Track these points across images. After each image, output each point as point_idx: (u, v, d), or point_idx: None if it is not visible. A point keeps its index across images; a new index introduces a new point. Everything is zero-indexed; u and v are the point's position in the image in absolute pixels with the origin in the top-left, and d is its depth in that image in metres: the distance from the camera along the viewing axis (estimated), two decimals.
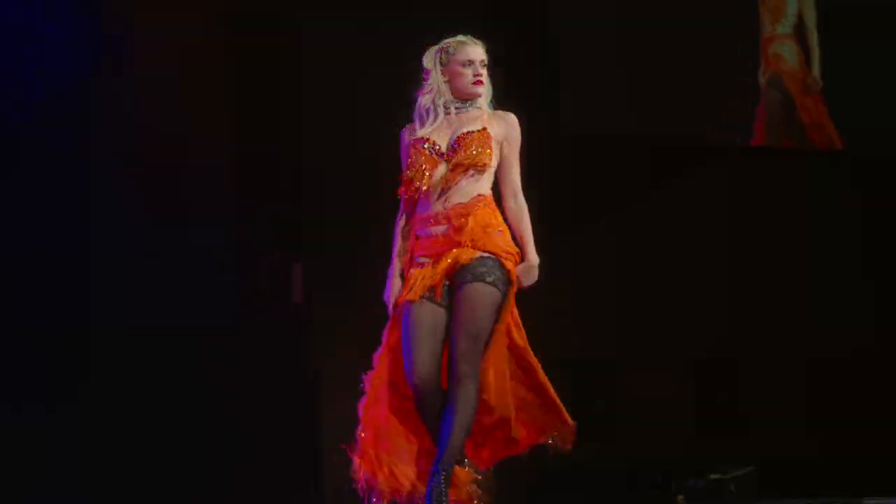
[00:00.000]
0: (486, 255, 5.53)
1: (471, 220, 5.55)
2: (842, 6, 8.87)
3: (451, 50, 5.66)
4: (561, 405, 5.62)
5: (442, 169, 5.58)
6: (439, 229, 5.57)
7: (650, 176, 8.52)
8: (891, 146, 8.91)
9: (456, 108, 5.66)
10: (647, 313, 8.43)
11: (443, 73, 5.64)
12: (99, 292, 7.50)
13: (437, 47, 5.69)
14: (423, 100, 5.65)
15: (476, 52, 5.66)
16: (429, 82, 5.66)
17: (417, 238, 5.60)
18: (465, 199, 5.56)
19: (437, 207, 5.57)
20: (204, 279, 7.61)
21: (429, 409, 5.47)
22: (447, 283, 5.51)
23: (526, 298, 5.61)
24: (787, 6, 8.92)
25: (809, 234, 8.79)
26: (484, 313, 5.49)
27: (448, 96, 5.63)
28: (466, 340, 5.48)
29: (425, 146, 5.60)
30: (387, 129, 5.88)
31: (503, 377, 5.58)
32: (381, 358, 5.59)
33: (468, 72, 5.63)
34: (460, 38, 5.67)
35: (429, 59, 5.67)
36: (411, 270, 5.56)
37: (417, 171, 5.56)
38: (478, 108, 5.66)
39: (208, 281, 7.61)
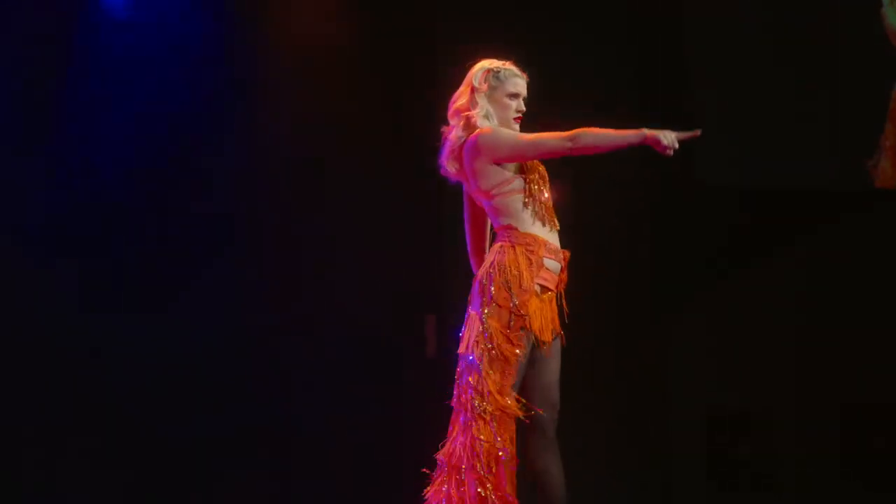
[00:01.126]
0: None
1: None
2: None
3: (501, 76, 5.48)
4: None
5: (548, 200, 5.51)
6: (559, 267, 5.50)
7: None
8: None
9: None
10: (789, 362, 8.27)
11: (488, 98, 5.51)
12: None
13: (486, 67, 5.50)
14: (480, 121, 5.46)
15: (524, 86, 5.51)
16: (477, 102, 5.48)
17: (547, 268, 5.40)
18: None
19: (556, 242, 5.47)
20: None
21: None
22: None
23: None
24: None
25: None
26: None
27: (494, 122, 5.49)
28: (558, 390, 5.43)
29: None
30: None
31: None
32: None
33: (513, 104, 5.48)
34: (510, 66, 5.56)
35: (478, 79, 5.48)
36: (530, 300, 5.32)
37: (538, 187, 5.45)
38: None
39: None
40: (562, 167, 5.91)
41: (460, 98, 5.53)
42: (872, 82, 8.52)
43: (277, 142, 7.75)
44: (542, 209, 5.45)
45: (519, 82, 5.53)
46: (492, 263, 5.38)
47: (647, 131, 5.30)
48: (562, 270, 5.46)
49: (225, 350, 7.60)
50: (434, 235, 7.71)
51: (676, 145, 5.30)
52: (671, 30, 8.28)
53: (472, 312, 5.40)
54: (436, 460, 5.38)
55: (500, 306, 5.31)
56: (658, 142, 5.28)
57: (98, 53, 7.56)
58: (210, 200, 7.69)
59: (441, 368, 7.60)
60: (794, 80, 8.43)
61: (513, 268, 5.33)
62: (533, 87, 5.63)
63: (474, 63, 5.55)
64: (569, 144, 5.34)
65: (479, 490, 5.23)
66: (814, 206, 8.36)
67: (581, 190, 7.73)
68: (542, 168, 5.54)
